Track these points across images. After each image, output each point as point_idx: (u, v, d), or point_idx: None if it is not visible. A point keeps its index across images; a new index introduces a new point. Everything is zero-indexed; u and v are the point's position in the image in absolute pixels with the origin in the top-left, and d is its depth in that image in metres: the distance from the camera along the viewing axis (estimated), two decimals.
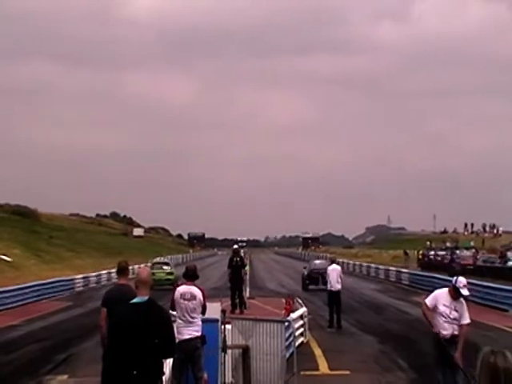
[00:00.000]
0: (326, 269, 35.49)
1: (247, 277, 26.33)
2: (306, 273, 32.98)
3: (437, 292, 8.72)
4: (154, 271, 30.23)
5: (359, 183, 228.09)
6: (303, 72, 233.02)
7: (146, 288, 5.61)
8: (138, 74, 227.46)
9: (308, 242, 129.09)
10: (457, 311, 8.43)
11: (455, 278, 8.69)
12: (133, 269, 46.61)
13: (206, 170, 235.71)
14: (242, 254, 24.10)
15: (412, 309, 22.57)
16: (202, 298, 8.85)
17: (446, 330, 8.42)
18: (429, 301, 8.62)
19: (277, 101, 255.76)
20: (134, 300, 5.59)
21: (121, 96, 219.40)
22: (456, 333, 8.43)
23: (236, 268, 21.02)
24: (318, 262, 35.59)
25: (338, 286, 18.17)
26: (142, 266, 41.41)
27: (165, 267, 34.80)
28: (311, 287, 31.23)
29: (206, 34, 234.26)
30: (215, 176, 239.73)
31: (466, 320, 8.48)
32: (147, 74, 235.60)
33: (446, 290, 8.63)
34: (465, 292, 8.44)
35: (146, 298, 5.56)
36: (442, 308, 8.44)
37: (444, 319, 8.43)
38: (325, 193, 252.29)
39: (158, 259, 44.79)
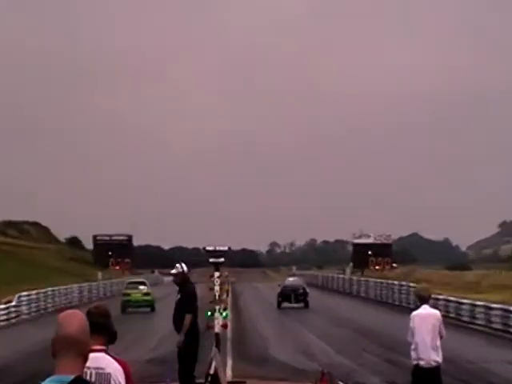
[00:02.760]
0: (299, 285, 43.97)
1: (228, 333, 22.40)
2: (279, 290, 43.66)
3: None
4: (129, 291, 39.71)
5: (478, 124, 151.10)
6: None
7: (75, 354, 3.52)
8: None
9: (366, 255, 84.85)
10: None
11: None
12: None
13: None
14: (217, 285, 18.08)
15: None
16: (122, 382, 5.94)
17: None
18: None
19: None
20: (46, 381, 3.58)
21: None
22: None
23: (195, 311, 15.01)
24: (291, 279, 47.91)
25: (436, 357, 12.57)
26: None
27: (141, 287, 41.42)
28: (284, 305, 42.17)
29: None
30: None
31: None
32: None
33: None
34: None
35: (71, 377, 3.49)
36: None
37: None
38: (401, 149, 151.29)
39: (132, 279, 49.66)
